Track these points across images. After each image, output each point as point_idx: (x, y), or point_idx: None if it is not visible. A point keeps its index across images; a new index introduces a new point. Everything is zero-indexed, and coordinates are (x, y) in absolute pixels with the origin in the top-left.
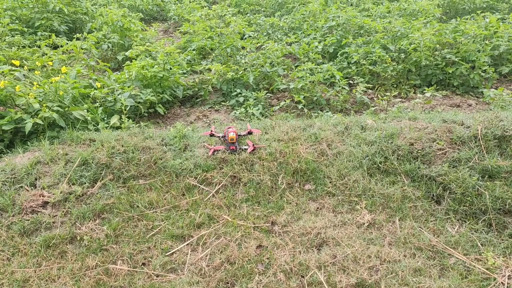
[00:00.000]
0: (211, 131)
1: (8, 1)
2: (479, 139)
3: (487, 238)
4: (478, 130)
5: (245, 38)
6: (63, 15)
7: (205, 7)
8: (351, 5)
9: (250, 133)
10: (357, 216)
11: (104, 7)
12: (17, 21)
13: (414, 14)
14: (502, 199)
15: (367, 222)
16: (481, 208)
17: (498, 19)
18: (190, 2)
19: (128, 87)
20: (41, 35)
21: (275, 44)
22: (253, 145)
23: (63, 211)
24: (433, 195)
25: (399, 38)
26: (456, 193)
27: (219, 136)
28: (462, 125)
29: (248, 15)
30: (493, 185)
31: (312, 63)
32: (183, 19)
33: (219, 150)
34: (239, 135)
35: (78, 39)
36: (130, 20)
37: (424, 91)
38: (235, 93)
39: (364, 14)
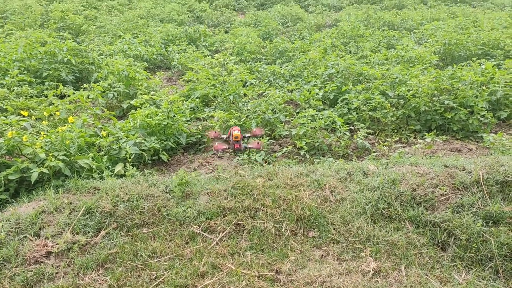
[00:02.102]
0: (215, 132)
1: (18, 52)
2: (481, 184)
3: (495, 286)
4: (479, 175)
5: (247, 86)
6: (70, 66)
7: (208, 56)
8: (350, 52)
9: (255, 135)
10: (362, 264)
11: (110, 57)
12: (25, 72)
13: (411, 61)
14: (507, 245)
15: (372, 270)
16: (487, 254)
17: (494, 65)
18: (193, 51)
19: (133, 135)
20: (49, 84)
21: (276, 91)
22: (258, 143)
23: (66, 262)
24: (438, 241)
25: (398, 85)
26: (461, 240)
27: (223, 138)
28: (463, 170)
29: (249, 63)
30: (498, 231)
31: (313, 109)
32: (186, 68)
33: (224, 148)
34: (244, 137)
35: (85, 89)
36: (135, 70)
37: (425, 136)
38: None
39: (363, 61)
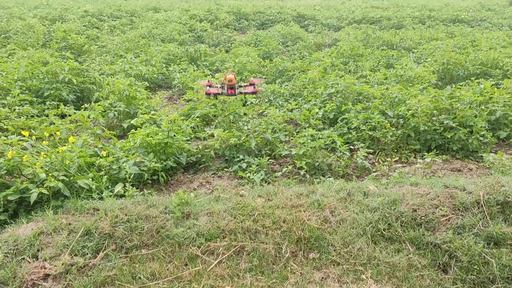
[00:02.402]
0: (209, 81)
1: (19, 72)
2: (481, 205)
3: None
4: (480, 196)
5: (247, 105)
6: (71, 85)
7: (209, 75)
8: (349, 71)
9: (252, 84)
10: (363, 286)
11: (111, 77)
12: (27, 91)
13: (411, 80)
14: (509, 267)
15: None
16: (489, 277)
17: (493, 85)
18: (194, 71)
19: (133, 154)
20: (50, 104)
21: (276, 110)
22: (254, 87)
23: (64, 284)
24: (439, 263)
25: (397, 104)
26: (462, 261)
27: (218, 87)
28: (464, 190)
29: None
30: (500, 252)
31: (313, 129)
32: (187, 87)
33: (216, 93)
34: (240, 86)
35: (86, 108)
36: (136, 89)
37: (424, 156)
38: (237, 159)
39: (362, 80)
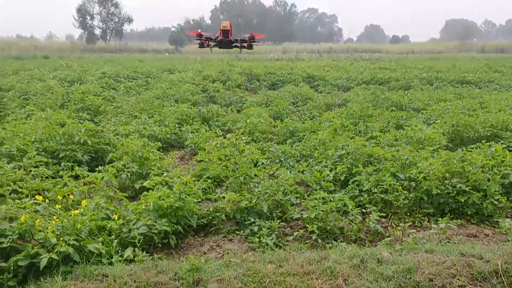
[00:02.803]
0: (200, 31)
1: (37, 133)
2: (500, 275)
3: None
4: (498, 265)
5: (258, 165)
6: (86, 146)
7: (220, 136)
8: (359, 132)
9: (252, 38)
10: None
11: (125, 137)
12: (43, 153)
13: (421, 141)
14: None
15: None
16: None
17: (504, 147)
18: (206, 131)
19: (144, 217)
20: (64, 165)
21: (287, 171)
22: (249, 40)
23: None
24: None
25: (408, 166)
26: None
27: (211, 38)
28: (481, 259)
29: (261, 143)
30: None
31: (324, 191)
32: (199, 147)
33: (208, 43)
34: (242, 40)
35: (99, 171)
36: (148, 150)
37: (439, 221)
38: (248, 222)
39: (372, 142)
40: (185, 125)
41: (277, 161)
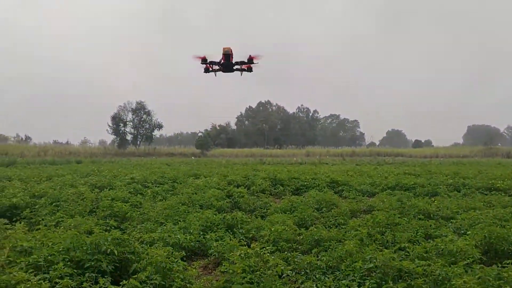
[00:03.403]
0: (204, 56)
1: (65, 243)
2: None
3: None
4: None
5: (283, 277)
6: (112, 256)
7: (244, 245)
8: (387, 242)
9: (251, 59)
10: None
11: (150, 245)
12: (69, 263)
13: (453, 254)
14: None
15: None
16: None
17: None
18: (230, 240)
19: None
20: (89, 276)
21: (314, 285)
22: (248, 62)
23: None
24: None
25: (441, 283)
26: None
27: (215, 62)
28: None
29: (285, 252)
30: None
31: None
32: (223, 256)
33: (214, 69)
34: (242, 62)
35: (123, 285)
36: (172, 260)
37: None
38: None
39: (401, 253)
40: (209, 233)
41: (302, 272)
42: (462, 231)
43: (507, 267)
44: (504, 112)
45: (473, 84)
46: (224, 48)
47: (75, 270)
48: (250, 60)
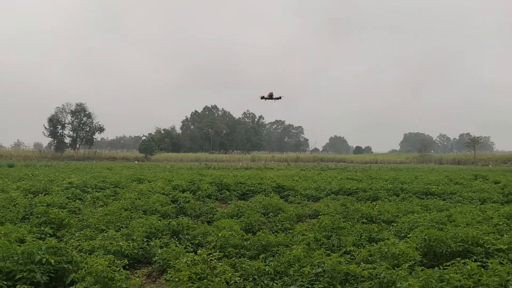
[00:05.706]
0: (263, 96)
1: None
2: None
3: None
4: None
5: (231, 284)
6: (47, 266)
7: (191, 252)
8: (333, 246)
9: (279, 97)
10: None
11: (89, 254)
12: None
13: (395, 257)
14: None
15: None
16: None
17: (478, 265)
18: (176, 246)
19: None
20: None
21: None
22: (276, 98)
23: None
24: None
25: (387, 286)
26: None
27: (266, 97)
28: None
29: (233, 258)
30: None
31: None
32: (168, 264)
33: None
34: (275, 98)
35: None
36: (113, 269)
37: None
38: None
39: (347, 257)
40: (153, 239)
41: (251, 279)
42: (403, 234)
43: (447, 269)
44: (435, 121)
45: (407, 93)
46: (269, 93)
47: (4, 282)
48: (278, 97)
